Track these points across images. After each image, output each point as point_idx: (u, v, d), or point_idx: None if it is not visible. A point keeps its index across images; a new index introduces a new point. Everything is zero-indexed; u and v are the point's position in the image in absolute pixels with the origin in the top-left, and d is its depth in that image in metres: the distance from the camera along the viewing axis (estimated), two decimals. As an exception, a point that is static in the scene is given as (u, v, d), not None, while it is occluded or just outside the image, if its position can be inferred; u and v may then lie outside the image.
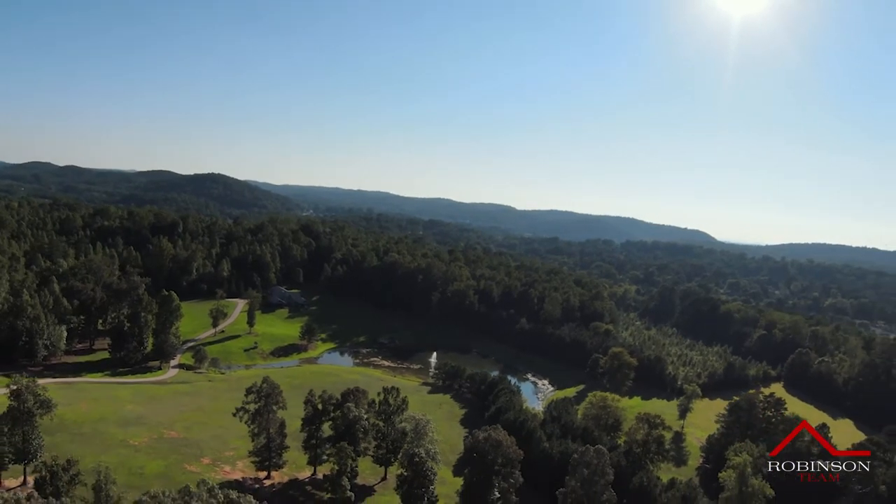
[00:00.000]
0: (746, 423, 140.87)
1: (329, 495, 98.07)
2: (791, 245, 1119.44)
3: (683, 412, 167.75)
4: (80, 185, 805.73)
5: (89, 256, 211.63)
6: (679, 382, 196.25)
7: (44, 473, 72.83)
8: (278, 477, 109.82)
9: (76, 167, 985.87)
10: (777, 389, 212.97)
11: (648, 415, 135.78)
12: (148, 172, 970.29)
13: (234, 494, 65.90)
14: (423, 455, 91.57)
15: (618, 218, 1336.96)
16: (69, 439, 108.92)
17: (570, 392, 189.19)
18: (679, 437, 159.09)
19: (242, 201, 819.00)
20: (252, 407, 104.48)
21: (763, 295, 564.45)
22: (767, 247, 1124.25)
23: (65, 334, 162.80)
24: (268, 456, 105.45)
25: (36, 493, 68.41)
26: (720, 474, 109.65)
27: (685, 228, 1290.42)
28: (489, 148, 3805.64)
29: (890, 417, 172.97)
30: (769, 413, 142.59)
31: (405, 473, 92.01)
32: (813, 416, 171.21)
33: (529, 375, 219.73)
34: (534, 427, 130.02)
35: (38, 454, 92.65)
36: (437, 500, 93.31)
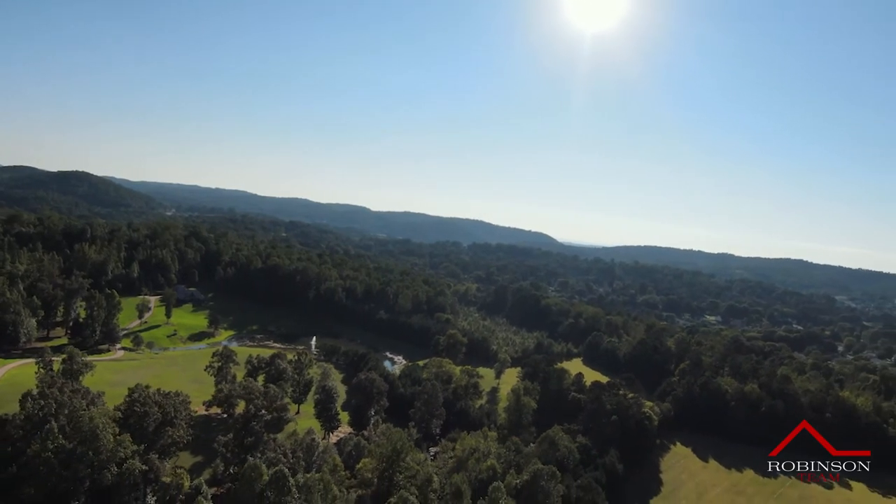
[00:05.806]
0: (532, 374, 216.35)
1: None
2: (625, 247, 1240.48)
3: (499, 374, 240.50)
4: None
5: (40, 262, 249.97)
6: (499, 355, 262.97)
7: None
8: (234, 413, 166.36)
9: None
10: (577, 362, 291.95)
11: (469, 370, 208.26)
12: (9, 168, 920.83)
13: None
14: (330, 385, 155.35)
15: (467, 220, 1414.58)
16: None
17: (420, 363, 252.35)
18: (496, 390, 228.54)
19: (108, 200, 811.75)
20: (217, 365, 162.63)
21: (587, 292, 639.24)
22: (603, 248, 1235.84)
23: (35, 325, 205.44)
24: (226, 399, 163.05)
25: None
26: (505, 395, 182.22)
27: (529, 231, 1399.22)
28: (347, 151, 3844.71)
29: (648, 377, 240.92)
30: (546, 368, 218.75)
31: (319, 397, 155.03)
32: (599, 377, 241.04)
33: (388, 353, 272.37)
34: (394, 379, 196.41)
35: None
36: (339, 415, 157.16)
